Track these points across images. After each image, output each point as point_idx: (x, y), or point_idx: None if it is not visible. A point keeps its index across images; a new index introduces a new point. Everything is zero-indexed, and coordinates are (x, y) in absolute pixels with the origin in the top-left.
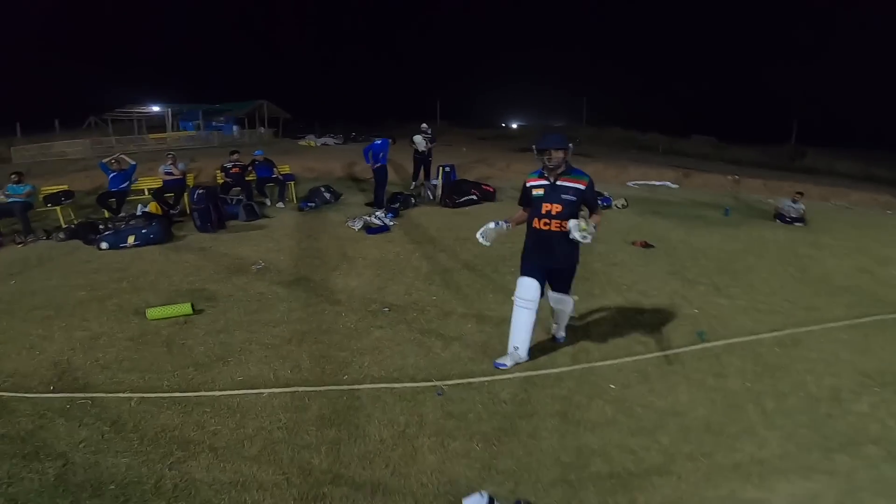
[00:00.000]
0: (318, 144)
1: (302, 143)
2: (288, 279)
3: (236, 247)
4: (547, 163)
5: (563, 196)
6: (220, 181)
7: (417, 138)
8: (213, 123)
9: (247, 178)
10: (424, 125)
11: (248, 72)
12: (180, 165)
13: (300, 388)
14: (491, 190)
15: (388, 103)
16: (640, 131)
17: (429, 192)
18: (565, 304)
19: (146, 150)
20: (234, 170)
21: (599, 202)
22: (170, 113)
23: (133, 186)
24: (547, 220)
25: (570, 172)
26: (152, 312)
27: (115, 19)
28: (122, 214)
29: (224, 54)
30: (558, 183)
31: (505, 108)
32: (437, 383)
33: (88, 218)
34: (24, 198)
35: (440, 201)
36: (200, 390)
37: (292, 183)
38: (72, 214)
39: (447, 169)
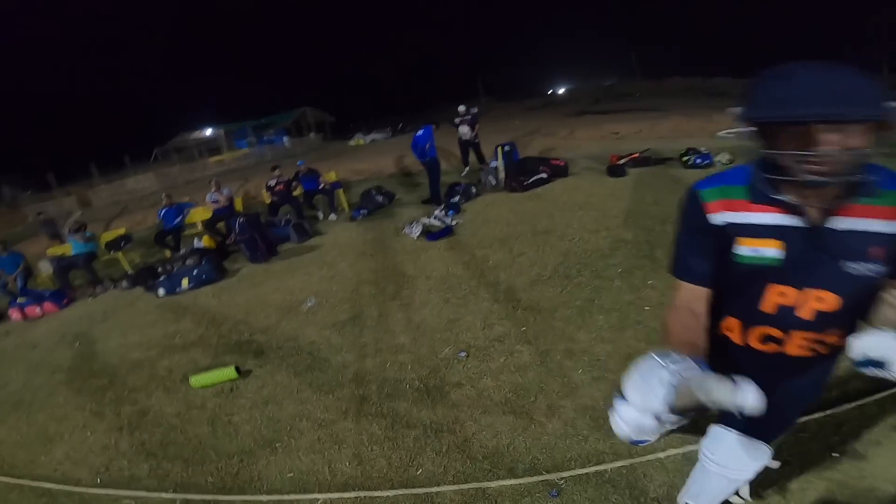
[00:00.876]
0: (368, 142)
1: (351, 143)
2: (342, 318)
3: (287, 278)
4: (806, 168)
5: (848, 265)
6: (268, 201)
7: (463, 129)
8: (265, 137)
9: (294, 194)
10: (462, 107)
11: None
12: (225, 191)
13: (361, 494)
14: (562, 164)
15: (429, 89)
16: (703, 77)
17: (490, 178)
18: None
19: (208, 175)
20: (278, 187)
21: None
22: (223, 133)
23: (187, 220)
24: (782, 332)
25: (871, 191)
26: (197, 380)
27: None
28: (180, 252)
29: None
30: (835, 227)
31: (549, 74)
32: (551, 477)
33: (146, 263)
34: (86, 249)
35: (505, 185)
36: (246, 491)
37: (341, 190)
38: (136, 258)
39: (507, 147)
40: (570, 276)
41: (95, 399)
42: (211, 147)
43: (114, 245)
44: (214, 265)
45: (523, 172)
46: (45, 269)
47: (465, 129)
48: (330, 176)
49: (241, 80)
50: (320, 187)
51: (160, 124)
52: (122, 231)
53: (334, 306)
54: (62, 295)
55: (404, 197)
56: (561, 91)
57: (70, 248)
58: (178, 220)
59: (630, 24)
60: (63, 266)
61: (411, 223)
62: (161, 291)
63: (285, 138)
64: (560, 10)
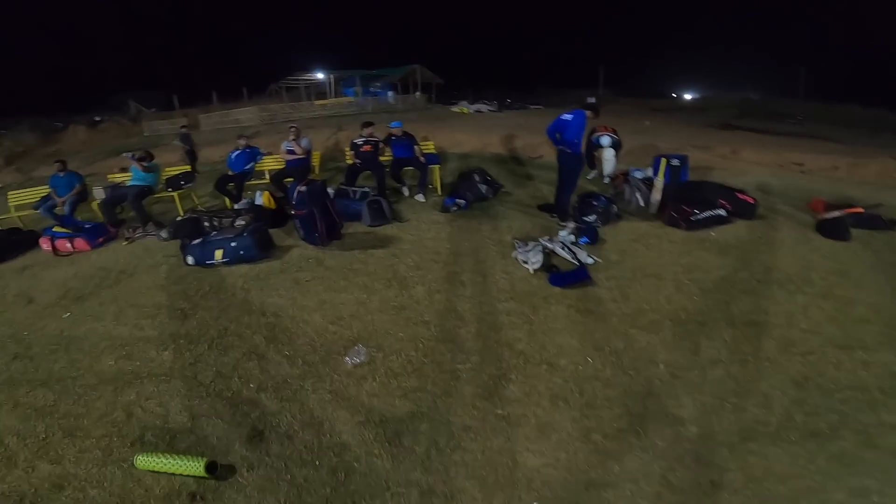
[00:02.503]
0: (472, 111)
1: (454, 109)
2: (397, 408)
3: (340, 287)
4: None
5: None
6: (350, 161)
7: (605, 139)
8: (371, 89)
9: (380, 159)
10: (591, 99)
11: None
12: (304, 142)
13: None
14: (751, 202)
15: (545, 68)
16: (889, 109)
17: (637, 195)
18: None
19: (310, 118)
20: (365, 147)
21: None
22: (332, 79)
23: (256, 168)
24: None
25: None
26: (143, 461)
27: None
28: (239, 204)
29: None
30: None
31: (674, 75)
32: None
33: (204, 209)
34: (142, 182)
35: (661, 212)
36: None
37: (437, 166)
38: (194, 200)
39: (675, 162)
40: (816, 433)
41: (27, 424)
42: (320, 90)
43: (173, 182)
44: (258, 239)
45: (692, 201)
46: (98, 195)
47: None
48: (427, 146)
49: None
50: (413, 157)
51: (281, 64)
52: (186, 168)
53: (392, 375)
54: (99, 231)
55: (514, 190)
56: (687, 97)
57: (130, 176)
58: (248, 166)
59: (790, 34)
60: (114, 197)
61: (525, 244)
62: (190, 259)
63: (390, 93)
64: (703, 15)
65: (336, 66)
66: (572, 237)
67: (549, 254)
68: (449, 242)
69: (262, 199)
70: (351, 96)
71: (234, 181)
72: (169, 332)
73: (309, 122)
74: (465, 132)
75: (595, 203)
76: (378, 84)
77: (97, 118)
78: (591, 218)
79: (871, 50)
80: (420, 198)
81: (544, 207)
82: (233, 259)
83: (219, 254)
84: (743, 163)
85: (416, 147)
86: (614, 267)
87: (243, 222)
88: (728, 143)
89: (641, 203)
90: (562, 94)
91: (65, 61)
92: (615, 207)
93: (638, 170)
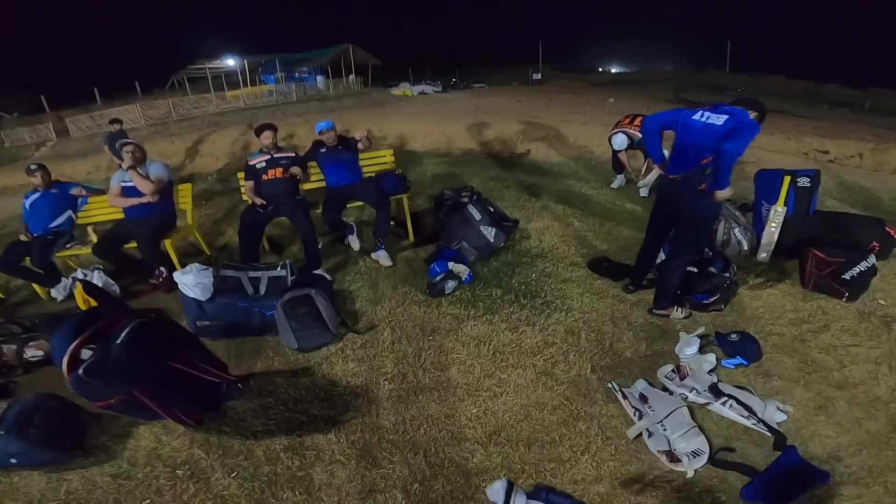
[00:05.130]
0: (415, 93)
1: (395, 91)
2: None
3: None
4: None
5: None
6: (246, 198)
7: (617, 138)
8: (296, 74)
9: (302, 186)
10: (537, 76)
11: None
12: (153, 169)
13: None
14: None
15: (482, 45)
16: (814, 81)
17: (734, 232)
18: None
19: (216, 113)
20: (270, 173)
21: None
22: (246, 65)
23: (78, 220)
24: None
25: None
26: None
27: None
28: (57, 292)
29: None
30: None
31: (602, 50)
32: None
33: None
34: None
35: (785, 266)
36: None
37: (405, 196)
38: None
39: (805, 181)
40: None
41: None
42: (233, 80)
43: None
44: (38, 436)
45: (824, 242)
46: None
47: (623, 141)
48: (382, 158)
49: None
50: (360, 181)
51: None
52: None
53: None
54: None
55: (528, 224)
56: (613, 70)
57: None
58: (58, 222)
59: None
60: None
61: (644, 403)
62: None
63: (320, 78)
64: None
65: (252, 51)
66: (711, 360)
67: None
68: (465, 394)
69: (76, 292)
70: (271, 84)
71: (34, 253)
72: None
73: (213, 119)
74: (420, 121)
75: (711, 268)
76: (304, 68)
77: None
78: (706, 297)
79: (786, 22)
80: (382, 257)
81: (604, 268)
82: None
83: None
84: (760, 150)
85: (358, 163)
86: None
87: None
88: None
89: (744, 247)
90: (503, 72)
91: None
92: (735, 271)
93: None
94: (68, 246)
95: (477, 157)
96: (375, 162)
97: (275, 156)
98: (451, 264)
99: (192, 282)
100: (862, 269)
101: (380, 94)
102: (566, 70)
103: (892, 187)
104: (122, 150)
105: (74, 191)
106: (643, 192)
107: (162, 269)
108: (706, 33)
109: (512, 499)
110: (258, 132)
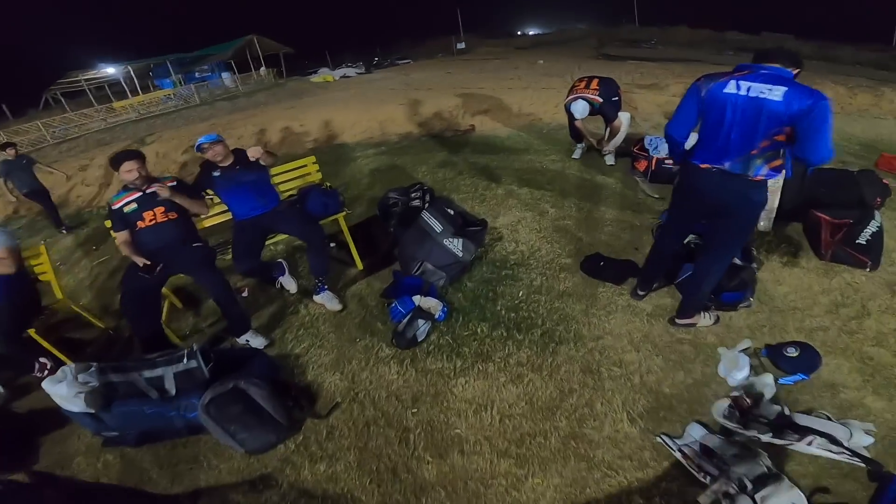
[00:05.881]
0: (337, 78)
1: (315, 78)
2: None
3: None
4: None
5: None
6: (139, 259)
7: (577, 105)
8: (197, 74)
9: (200, 224)
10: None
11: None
12: None
13: None
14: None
15: (398, 18)
16: (713, 29)
17: None
18: None
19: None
20: (147, 218)
21: None
22: (132, 72)
23: None
24: None
25: None
26: None
27: None
28: None
29: None
30: None
31: (515, 13)
32: None
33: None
34: None
35: (795, 237)
36: None
37: (341, 217)
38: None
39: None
40: None
41: None
42: (121, 90)
43: None
44: None
45: (828, 204)
46: None
47: (583, 108)
48: (305, 169)
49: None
50: (277, 206)
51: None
52: None
53: None
54: None
55: (497, 219)
56: (530, 33)
57: None
58: None
59: None
60: None
61: (725, 468)
62: None
63: (226, 74)
64: None
65: (139, 55)
66: (770, 383)
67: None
68: (480, 486)
69: None
70: (169, 88)
71: None
72: None
73: (99, 137)
74: (346, 108)
75: (735, 259)
76: (205, 66)
77: None
78: (738, 296)
79: None
80: (327, 300)
81: (601, 269)
82: None
83: None
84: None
85: (270, 183)
86: None
87: None
88: (674, 75)
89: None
90: (426, 45)
91: None
92: (756, 256)
93: (656, 137)
94: None
95: (418, 142)
96: (295, 175)
97: (147, 191)
98: (416, 299)
99: (69, 393)
100: (873, 229)
101: (297, 84)
102: (488, 37)
103: (881, 130)
104: None
105: None
106: (609, 160)
107: (43, 359)
108: None
109: None
110: (114, 164)
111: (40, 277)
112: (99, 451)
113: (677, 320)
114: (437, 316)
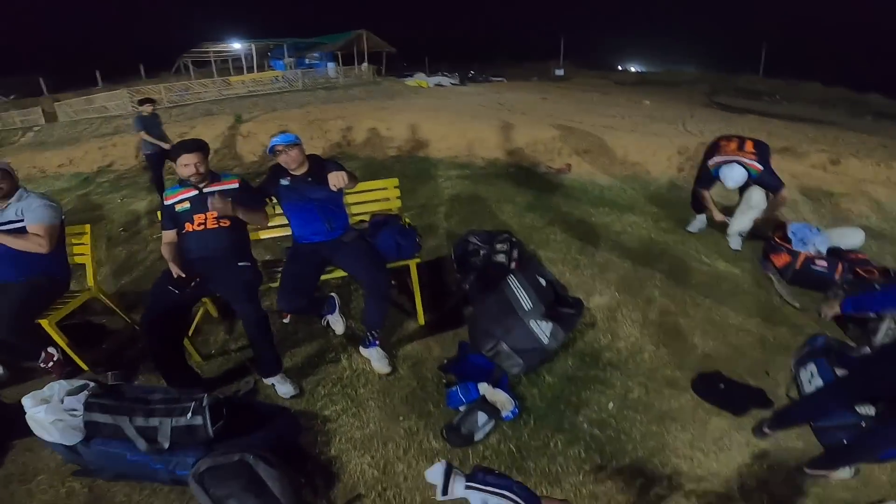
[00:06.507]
0: (431, 85)
1: (410, 82)
2: None
3: None
4: None
5: None
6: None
7: (733, 172)
8: (306, 61)
9: (251, 236)
10: (559, 71)
11: None
12: (31, 208)
13: None
14: None
15: (500, 36)
16: (851, 89)
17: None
18: None
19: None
20: (197, 221)
21: None
22: (254, 50)
23: None
24: None
25: None
26: None
27: None
28: None
29: None
30: None
31: (618, 47)
32: None
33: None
34: None
35: None
36: None
37: (413, 263)
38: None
39: None
40: None
41: None
42: (242, 66)
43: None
44: None
45: None
46: None
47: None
48: (384, 192)
49: None
50: (340, 235)
51: (192, 33)
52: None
53: None
54: None
55: (597, 295)
56: (632, 69)
57: None
58: None
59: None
60: None
61: None
62: None
63: (331, 65)
64: None
65: (264, 35)
66: None
67: None
68: None
69: None
70: (280, 70)
71: None
72: None
73: (207, 107)
74: (437, 119)
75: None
76: (315, 54)
77: None
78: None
79: (822, 27)
80: (375, 358)
81: (719, 394)
82: None
83: None
84: (846, 178)
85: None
86: None
87: None
88: (813, 142)
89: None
90: (522, 66)
91: None
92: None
93: (805, 226)
94: None
95: (506, 172)
96: (371, 198)
97: (204, 190)
98: (483, 387)
99: (48, 418)
100: None
101: (392, 84)
102: (587, 66)
103: None
104: None
105: None
106: (735, 244)
107: (52, 349)
108: (735, 35)
109: (451, 480)
110: (173, 154)
111: (76, 259)
112: (67, 473)
113: (809, 470)
114: (504, 415)
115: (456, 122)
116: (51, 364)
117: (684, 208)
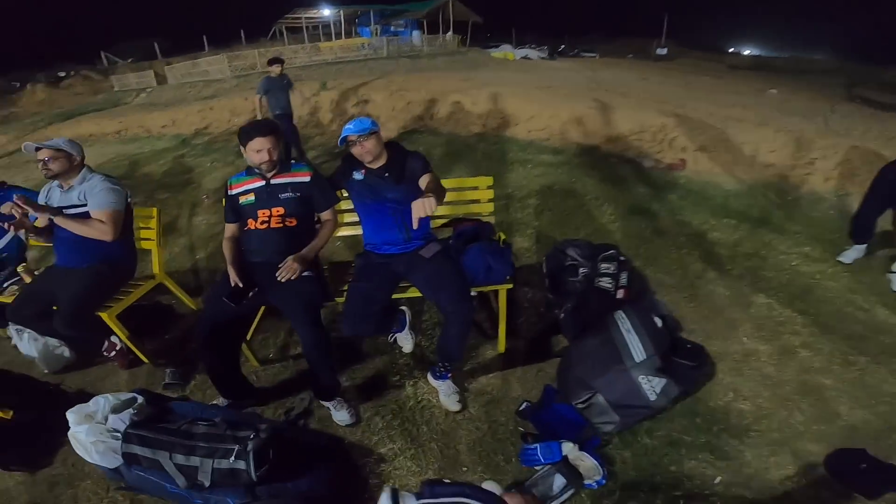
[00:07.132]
0: (518, 58)
1: (496, 53)
2: None
3: None
4: None
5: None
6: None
7: None
8: (392, 28)
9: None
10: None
11: None
12: (94, 191)
13: None
14: None
15: (595, 9)
16: None
17: None
18: None
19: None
20: (261, 217)
21: None
22: (342, 16)
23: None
24: None
25: None
26: None
27: None
28: None
29: None
30: None
31: (733, 28)
32: None
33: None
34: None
35: None
36: None
37: (503, 289)
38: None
39: None
40: None
41: None
42: (329, 31)
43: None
44: None
45: None
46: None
47: None
48: (474, 193)
49: None
50: (418, 247)
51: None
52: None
53: None
54: None
55: (719, 337)
56: (746, 52)
57: None
58: None
59: None
60: None
61: None
62: None
63: (416, 33)
64: None
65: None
66: None
67: None
68: None
69: None
70: (366, 37)
71: None
72: None
73: (296, 73)
74: (526, 96)
75: None
76: (401, 22)
77: (61, 73)
78: None
79: None
80: (444, 392)
81: (860, 473)
82: None
83: None
84: None
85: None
86: None
87: None
88: None
89: None
90: (615, 42)
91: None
92: None
93: None
94: (5, 285)
95: (606, 163)
96: (459, 198)
97: (273, 182)
98: (567, 448)
99: (89, 438)
100: None
101: (477, 55)
102: (693, 47)
103: None
104: (37, 155)
105: (3, 208)
106: None
107: (114, 338)
108: (880, 19)
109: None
110: (243, 138)
111: (143, 245)
112: (113, 482)
113: None
114: (586, 483)
115: (547, 100)
116: (113, 353)
117: (834, 230)
